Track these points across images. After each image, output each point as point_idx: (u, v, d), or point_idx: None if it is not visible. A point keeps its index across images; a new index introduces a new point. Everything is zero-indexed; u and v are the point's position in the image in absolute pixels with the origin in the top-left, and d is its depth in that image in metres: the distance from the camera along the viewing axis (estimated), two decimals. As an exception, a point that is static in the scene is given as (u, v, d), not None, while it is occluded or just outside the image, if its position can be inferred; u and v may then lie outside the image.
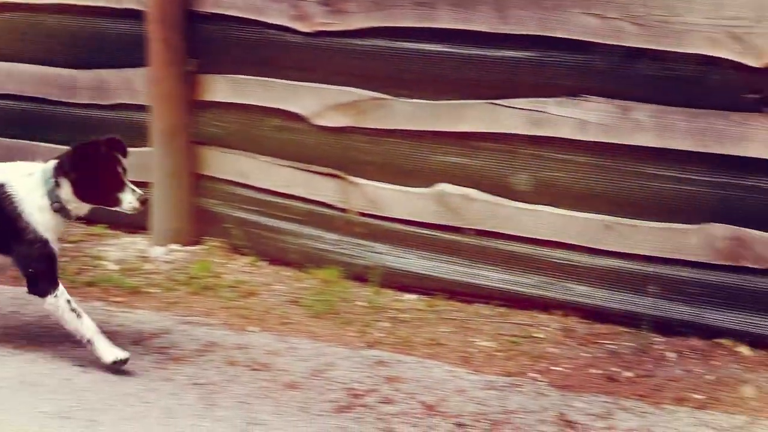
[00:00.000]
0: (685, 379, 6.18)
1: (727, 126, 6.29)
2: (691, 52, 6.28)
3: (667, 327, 6.57)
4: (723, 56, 6.23)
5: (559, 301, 6.83)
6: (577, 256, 6.77)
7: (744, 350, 6.43)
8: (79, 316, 6.12)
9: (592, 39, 6.48)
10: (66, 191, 6.22)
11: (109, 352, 6.09)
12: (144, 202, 6.29)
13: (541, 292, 6.88)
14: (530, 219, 6.82)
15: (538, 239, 6.84)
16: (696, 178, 6.36)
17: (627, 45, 6.40)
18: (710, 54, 6.24)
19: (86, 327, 6.13)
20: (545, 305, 6.88)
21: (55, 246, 6.23)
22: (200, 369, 5.97)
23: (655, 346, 6.54)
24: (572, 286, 6.81)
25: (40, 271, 6.18)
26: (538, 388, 6.01)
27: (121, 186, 6.28)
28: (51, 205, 6.20)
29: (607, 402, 5.84)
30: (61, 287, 6.17)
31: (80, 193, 6.25)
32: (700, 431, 5.59)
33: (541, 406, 5.78)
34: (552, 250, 6.83)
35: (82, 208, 6.32)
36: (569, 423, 5.62)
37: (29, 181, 6.27)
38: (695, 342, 6.52)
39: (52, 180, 6.23)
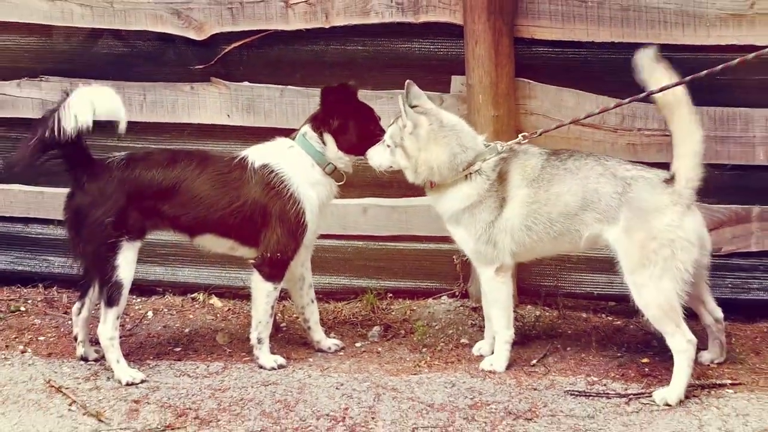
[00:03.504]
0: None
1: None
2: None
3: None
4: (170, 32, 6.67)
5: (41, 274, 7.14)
6: (50, 230, 7.10)
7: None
8: (272, 315, 6.11)
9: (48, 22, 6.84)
10: (332, 147, 6.02)
11: (271, 359, 6.14)
12: None
13: (21, 267, 7.21)
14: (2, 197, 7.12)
15: (11, 217, 7.19)
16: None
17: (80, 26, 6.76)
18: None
19: (270, 326, 6.10)
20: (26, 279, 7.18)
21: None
22: None
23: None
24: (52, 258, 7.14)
25: (284, 260, 6.01)
26: (24, 359, 6.17)
27: (380, 128, 6.10)
28: (324, 169, 6.01)
29: (92, 364, 6.04)
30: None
31: (345, 142, 6.03)
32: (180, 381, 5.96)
33: (29, 375, 5.92)
34: (28, 226, 7.17)
35: (349, 162, 6.10)
36: (57, 388, 5.77)
37: (293, 155, 6.03)
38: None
39: (317, 141, 6.01)
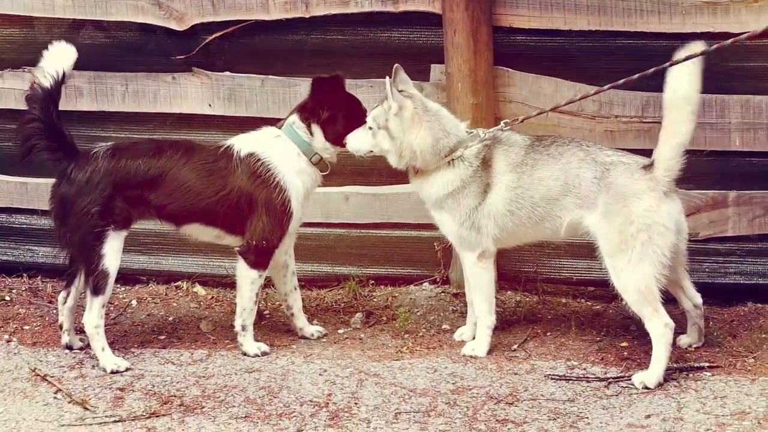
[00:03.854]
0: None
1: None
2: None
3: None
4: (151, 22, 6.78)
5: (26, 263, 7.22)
6: (35, 220, 7.16)
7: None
8: (256, 303, 6.13)
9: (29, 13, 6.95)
10: (319, 138, 6.03)
11: (254, 346, 6.15)
12: None
13: (5, 257, 7.29)
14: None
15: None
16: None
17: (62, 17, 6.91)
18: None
19: (254, 313, 6.14)
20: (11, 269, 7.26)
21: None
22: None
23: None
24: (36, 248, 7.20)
25: (270, 247, 6.03)
26: (10, 348, 6.24)
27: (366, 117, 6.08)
28: (310, 159, 6.03)
29: (77, 353, 6.10)
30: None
31: (332, 133, 6.04)
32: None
33: (14, 364, 5.98)
34: (11, 216, 7.30)
35: (334, 153, 6.12)
36: (42, 376, 5.82)
37: (279, 144, 6.04)
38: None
39: (304, 131, 6.03)
